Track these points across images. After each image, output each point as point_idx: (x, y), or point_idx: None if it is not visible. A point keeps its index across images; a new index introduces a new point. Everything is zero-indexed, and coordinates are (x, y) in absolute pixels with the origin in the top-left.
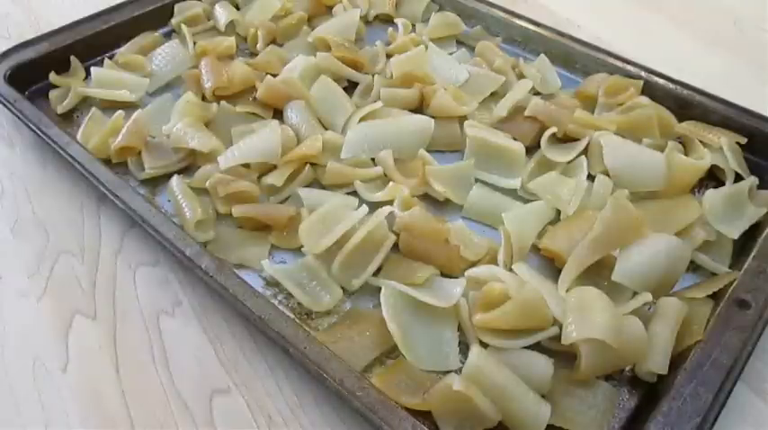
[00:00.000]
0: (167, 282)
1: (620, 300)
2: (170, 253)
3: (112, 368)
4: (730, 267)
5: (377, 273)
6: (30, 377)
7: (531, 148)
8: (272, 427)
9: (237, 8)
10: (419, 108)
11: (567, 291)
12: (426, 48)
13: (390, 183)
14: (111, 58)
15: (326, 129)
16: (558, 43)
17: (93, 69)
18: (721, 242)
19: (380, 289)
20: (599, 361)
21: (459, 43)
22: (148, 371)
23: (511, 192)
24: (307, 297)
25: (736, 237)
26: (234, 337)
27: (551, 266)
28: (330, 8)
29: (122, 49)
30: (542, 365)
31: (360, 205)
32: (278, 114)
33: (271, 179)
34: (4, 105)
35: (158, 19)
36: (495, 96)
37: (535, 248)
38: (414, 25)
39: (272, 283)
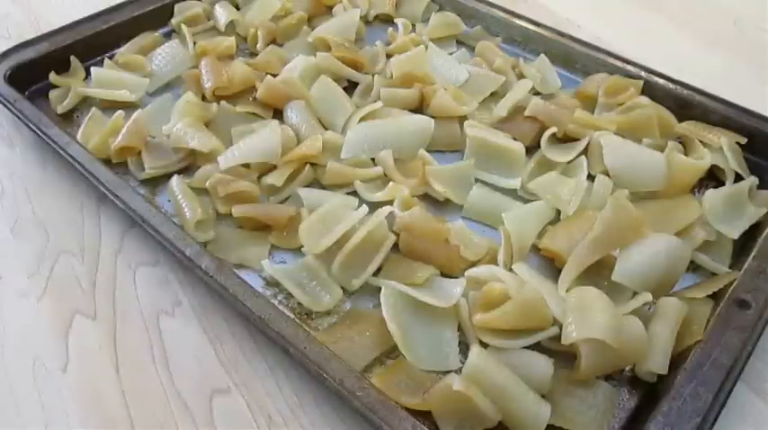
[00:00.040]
0: (167, 282)
1: (620, 300)
2: (170, 253)
3: (112, 368)
4: (730, 267)
5: (377, 273)
6: (30, 377)
7: (531, 148)
8: (272, 427)
9: (237, 8)
10: (419, 108)
11: (567, 291)
12: (426, 48)
13: (390, 183)
14: (111, 58)
15: (326, 129)
16: (558, 43)
17: (93, 69)
18: (721, 242)
19: (380, 289)
20: (599, 361)
21: (460, 43)
22: (148, 371)
23: (511, 192)
24: (307, 297)
25: (736, 237)
26: (234, 337)
27: (551, 266)
28: (330, 8)
29: (122, 49)
30: (542, 365)
31: (360, 205)
32: (278, 114)
33: (271, 179)
34: (4, 105)
35: (158, 19)
36: (495, 96)
37: (535, 248)
38: (414, 25)
39: (272, 283)
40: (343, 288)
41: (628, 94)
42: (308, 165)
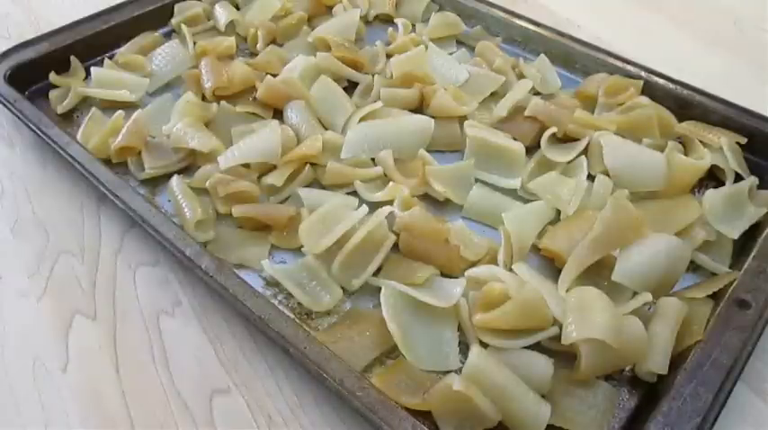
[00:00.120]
0: (167, 282)
1: (620, 300)
2: (170, 253)
3: (112, 368)
4: (730, 267)
5: (377, 273)
6: (30, 377)
7: (531, 148)
8: (272, 427)
9: (237, 8)
10: (419, 108)
11: (567, 291)
12: (426, 48)
13: (390, 183)
14: (111, 58)
15: (326, 129)
16: (558, 43)
17: (93, 69)
18: (721, 242)
19: (380, 289)
20: (599, 361)
21: (460, 43)
22: (148, 371)
23: (511, 192)
24: (307, 297)
25: (736, 237)
26: (234, 337)
27: (551, 266)
28: (330, 8)
29: (122, 49)
30: (542, 365)
31: (360, 205)
32: (278, 114)
33: (271, 179)
34: (4, 105)
35: (158, 19)
36: (495, 96)
37: (535, 248)
38: (414, 25)
39: (272, 283)
40: (343, 288)
41: (628, 94)
42: (308, 165)
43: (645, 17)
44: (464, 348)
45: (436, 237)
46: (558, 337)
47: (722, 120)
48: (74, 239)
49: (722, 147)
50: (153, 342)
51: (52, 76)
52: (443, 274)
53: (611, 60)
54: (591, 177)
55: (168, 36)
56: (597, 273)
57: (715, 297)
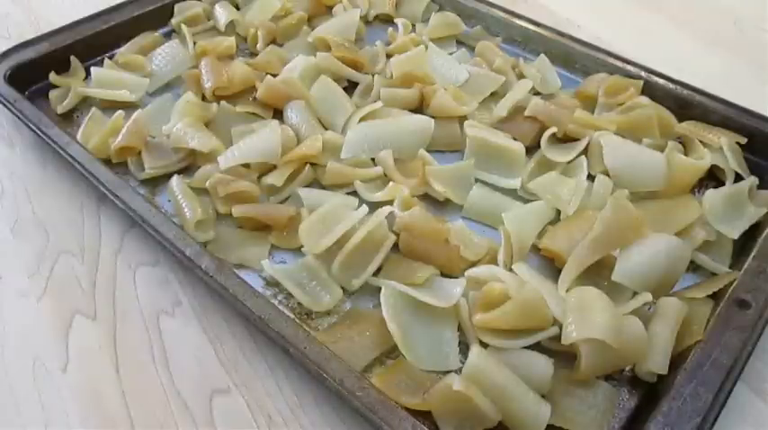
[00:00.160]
0: (167, 282)
1: (620, 300)
2: (170, 253)
3: (112, 368)
4: (730, 267)
5: (377, 273)
6: (30, 377)
7: (531, 148)
8: (272, 427)
9: (237, 8)
10: (419, 108)
11: (567, 291)
12: (426, 48)
13: (390, 183)
14: (111, 58)
15: (326, 129)
16: (558, 43)
17: (93, 69)
18: (721, 242)
19: (380, 289)
20: (599, 361)
21: (460, 43)
22: (148, 371)
23: (511, 192)
24: (307, 297)
25: (736, 237)
26: (234, 337)
27: (551, 266)
28: (330, 8)
29: (122, 49)
30: (542, 365)
31: (360, 205)
32: (278, 114)
33: (271, 179)
34: (4, 105)
35: (158, 19)
36: (495, 96)
37: (535, 248)
38: (414, 25)
39: (272, 283)
40: (343, 288)
41: (628, 94)
42: (308, 165)
43: (645, 17)
44: (464, 348)
45: (436, 237)
46: (558, 337)
47: (722, 120)
48: (74, 239)
49: (722, 147)
50: (153, 342)
51: (52, 76)
52: (443, 274)
53: (611, 60)
54: (591, 177)
55: (168, 36)
56: (597, 273)
57: (715, 297)
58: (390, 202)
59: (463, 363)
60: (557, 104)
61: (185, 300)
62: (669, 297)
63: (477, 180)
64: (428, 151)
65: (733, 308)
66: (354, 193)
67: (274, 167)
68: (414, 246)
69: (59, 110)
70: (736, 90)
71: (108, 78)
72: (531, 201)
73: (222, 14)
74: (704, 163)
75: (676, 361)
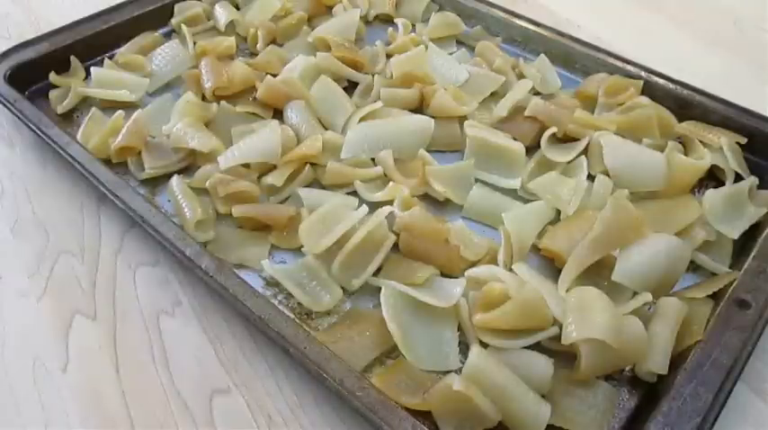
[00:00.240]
0: (167, 282)
1: (620, 300)
2: (170, 253)
3: (112, 368)
4: (730, 267)
5: (377, 273)
6: (30, 377)
7: (531, 148)
8: (272, 427)
9: (237, 8)
10: (419, 108)
11: (567, 291)
12: (426, 48)
13: (390, 183)
14: (111, 58)
15: (326, 129)
16: (558, 43)
17: (93, 69)
18: (721, 242)
19: (380, 289)
20: (599, 361)
21: (460, 43)
22: (148, 371)
23: (511, 192)
24: (307, 297)
25: (736, 237)
26: (234, 337)
27: (551, 266)
28: (330, 8)
29: (122, 49)
30: (542, 365)
31: (360, 205)
32: (278, 114)
33: (271, 179)
34: (4, 105)
35: (158, 19)
36: (495, 96)
37: (535, 248)
38: (414, 25)
39: (272, 283)
40: (343, 288)
41: (628, 94)
42: (308, 165)
43: (645, 17)
44: (464, 348)
45: (436, 237)
46: (558, 337)
47: (722, 120)
48: (74, 239)
49: (722, 147)
50: (153, 342)
51: (52, 76)
52: (443, 274)
53: (611, 60)
54: (591, 177)
55: (168, 36)
56: (597, 273)
57: (715, 297)
58: (390, 202)
59: (463, 363)
60: (557, 104)
61: (185, 300)
62: (669, 297)
63: (477, 180)
64: (428, 151)
65: (733, 308)
66: (354, 193)
67: (274, 167)
68: (414, 246)
69: (59, 110)
70: (736, 90)
71: (108, 78)
72: (531, 201)
73: (222, 14)
74: (704, 163)
75: (676, 361)
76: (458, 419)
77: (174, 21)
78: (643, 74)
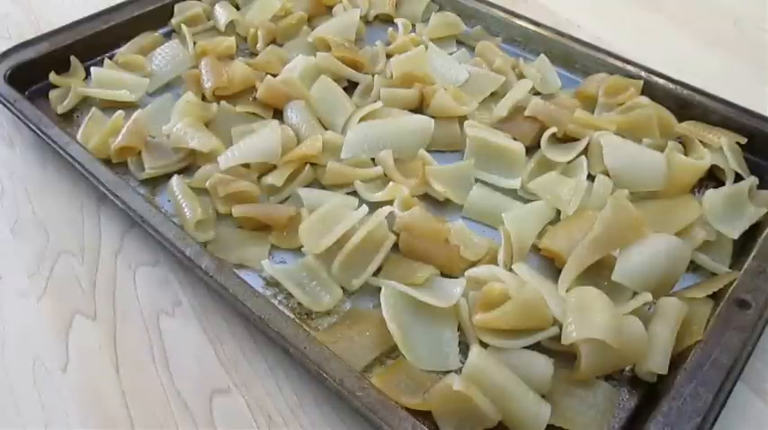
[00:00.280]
0: (167, 282)
1: (620, 300)
2: (170, 253)
3: (112, 368)
4: (730, 267)
5: (377, 273)
6: (30, 377)
7: (531, 148)
8: (272, 427)
9: (237, 8)
10: (419, 108)
11: (567, 291)
12: (426, 48)
13: (390, 183)
14: (111, 58)
15: (326, 129)
16: (558, 43)
17: (93, 69)
18: (721, 242)
19: (380, 289)
20: (599, 361)
21: (460, 43)
22: (148, 371)
23: (511, 192)
24: (307, 297)
25: (736, 237)
26: (234, 337)
27: (551, 266)
28: (330, 8)
29: (122, 49)
30: (542, 365)
31: (360, 205)
32: (278, 114)
33: (271, 179)
34: (4, 105)
35: (158, 19)
36: (495, 96)
37: (535, 248)
38: (414, 25)
39: (272, 283)
40: (343, 288)
41: (628, 94)
42: (308, 165)
43: (645, 17)
44: (464, 348)
45: (436, 237)
46: (558, 337)
47: (722, 120)
48: (74, 239)
49: (722, 147)
50: (153, 342)
51: (52, 76)
52: (443, 274)
53: (611, 60)
54: (591, 177)
55: (168, 36)
56: (597, 273)
57: (715, 297)
58: (390, 202)
59: (463, 363)
60: (557, 104)
61: (185, 300)
62: (669, 297)
63: (477, 180)
64: (428, 151)
65: (733, 308)
66: (354, 193)
67: (274, 167)
68: (414, 246)
69: (59, 110)
70: (736, 90)
71: (108, 78)
72: (531, 201)
73: (222, 14)
74: (704, 163)
75: (676, 361)
76: (458, 419)
77: (174, 21)
78: (643, 74)
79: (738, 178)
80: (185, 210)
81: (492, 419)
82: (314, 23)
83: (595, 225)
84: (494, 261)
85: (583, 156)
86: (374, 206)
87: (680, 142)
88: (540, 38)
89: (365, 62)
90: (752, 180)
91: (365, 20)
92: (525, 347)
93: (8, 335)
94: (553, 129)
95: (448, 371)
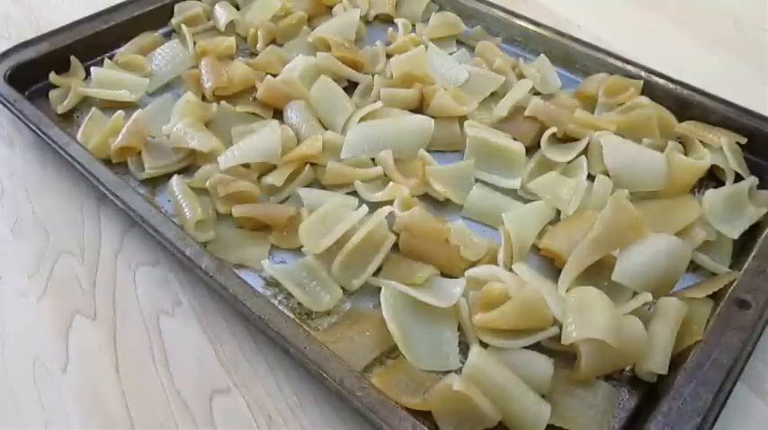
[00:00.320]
0: (167, 282)
1: (620, 300)
2: (170, 253)
3: (112, 368)
4: (730, 267)
5: (377, 273)
6: (30, 377)
7: (531, 148)
8: (272, 427)
9: (237, 8)
10: (419, 108)
11: (567, 291)
12: (426, 48)
13: (390, 183)
14: (111, 58)
15: (326, 129)
16: (558, 43)
17: (93, 69)
18: (721, 242)
19: (380, 289)
20: (599, 361)
21: (460, 43)
22: (148, 371)
23: (511, 192)
24: (307, 297)
25: (736, 237)
26: (234, 337)
27: (551, 266)
28: (330, 8)
29: (122, 49)
30: (542, 365)
31: (360, 205)
32: (278, 114)
33: (271, 179)
34: (4, 105)
35: (158, 19)
36: (495, 96)
37: (535, 248)
38: (414, 25)
39: (272, 283)
40: (343, 288)
41: (628, 94)
42: (308, 165)
43: (645, 17)
44: (464, 348)
45: (436, 237)
46: (558, 337)
47: (722, 120)
48: (74, 239)
49: (722, 147)
50: (153, 342)
51: (52, 76)
52: (443, 274)
53: (611, 60)
54: (591, 177)
55: (168, 36)
56: (597, 273)
57: (715, 297)
58: (390, 202)
59: (463, 363)
60: (557, 104)
61: (185, 300)
62: (669, 297)
63: (477, 180)
64: (428, 151)
65: (733, 308)
66: (354, 193)
67: (274, 167)
68: (414, 246)
69: (59, 110)
70: (736, 90)
71: (108, 78)
72: (531, 201)
73: (222, 14)
74: (704, 163)
75: (676, 361)
76: (458, 419)
77: (174, 21)
78: (643, 74)
79: (738, 178)
80: (185, 210)
81: (492, 419)
82: (314, 23)
83: (595, 225)
84: (494, 261)
85: (583, 156)
86: (374, 206)
87: (680, 142)
88: (540, 38)
89: (365, 62)
90: (752, 180)
91: (365, 20)
92: (525, 347)
93: (8, 335)
94: (553, 130)
95: (448, 371)
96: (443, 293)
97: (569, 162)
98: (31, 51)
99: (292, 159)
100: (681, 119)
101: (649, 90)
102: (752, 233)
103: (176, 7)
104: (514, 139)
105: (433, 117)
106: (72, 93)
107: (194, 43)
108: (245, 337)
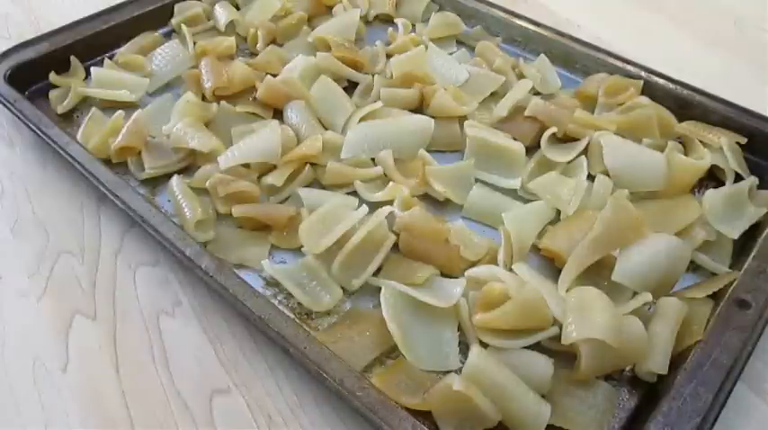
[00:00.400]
0: (167, 282)
1: (620, 300)
2: (170, 253)
3: (112, 368)
4: (730, 267)
5: (377, 273)
6: (30, 377)
7: (531, 148)
8: (272, 427)
9: (237, 8)
10: (419, 108)
11: (567, 291)
12: (426, 48)
13: (390, 183)
14: (111, 58)
15: (326, 129)
16: (558, 43)
17: (93, 69)
18: (721, 242)
19: (380, 289)
20: (599, 361)
21: (460, 43)
22: (148, 371)
23: (511, 192)
24: (307, 297)
25: (736, 237)
26: (234, 337)
27: (551, 266)
28: (330, 8)
29: (122, 49)
30: (542, 365)
31: (360, 205)
32: (278, 114)
33: (271, 179)
34: (4, 105)
35: (158, 19)
36: (495, 96)
37: (535, 248)
38: (414, 25)
39: (272, 283)
40: (343, 288)
41: (628, 94)
42: (308, 165)
43: (645, 17)
44: (464, 348)
45: (436, 237)
46: (558, 337)
47: (722, 120)
48: (74, 239)
49: (722, 147)
50: (153, 342)
51: (52, 76)
52: (443, 274)
53: (611, 60)
54: (591, 177)
55: (168, 36)
56: (597, 273)
57: (715, 297)
58: (390, 202)
59: (463, 363)
60: (557, 104)
61: (185, 300)
62: (669, 297)
63: (477, 180)
64: (428, 151)
65: (733, 308)
66: (354, 193)
67: (274, 167)
68: (414, 246)
69: (59, 110)
70: (736, 90)
71: (108, 78)
72: (531, 201)
73: (222, 14)
74: (704, 163)
75: (676, 361)
76: (458, 419)
77: (174, 21)
78: (643, 74)
79: (738, 178)
80: (185, 210)
81: (492, 419)
82: (314, 23)
83: (595, 225)
84: (494, 261)
85: (583, 156)
86: (374, 206)
87: (680, 142)
88: (540, 38)
89: (365, 62)
90: (752, 180)
91: (365, 20)
92: (525, 347)
93: (8, 335)
94: (553, 130)
95: (448, 371)
96: (443, 293)
97: (569, 162)
98: (31, 51)
99: (292, 159)
100: (681, 119)
101: (649, 90)
102: (752, 233)
103: (176, 7)
104: (514, 139)
105: (433, 117)
106: (72, 93)
107: (194, 43)
108: (245, 337)
